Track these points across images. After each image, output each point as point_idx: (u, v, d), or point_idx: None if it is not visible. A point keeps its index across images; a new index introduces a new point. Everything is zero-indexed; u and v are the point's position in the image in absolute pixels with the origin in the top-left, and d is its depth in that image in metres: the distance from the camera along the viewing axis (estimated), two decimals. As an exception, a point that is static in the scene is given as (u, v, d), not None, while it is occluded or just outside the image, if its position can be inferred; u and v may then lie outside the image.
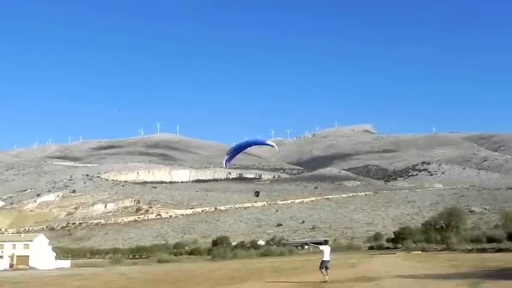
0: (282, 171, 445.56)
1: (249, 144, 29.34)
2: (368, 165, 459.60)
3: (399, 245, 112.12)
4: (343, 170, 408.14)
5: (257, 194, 79.25)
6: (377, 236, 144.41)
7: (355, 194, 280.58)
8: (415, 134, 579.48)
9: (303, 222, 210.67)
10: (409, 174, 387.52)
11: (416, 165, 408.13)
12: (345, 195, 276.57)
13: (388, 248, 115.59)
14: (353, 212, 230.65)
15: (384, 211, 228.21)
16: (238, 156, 28.20)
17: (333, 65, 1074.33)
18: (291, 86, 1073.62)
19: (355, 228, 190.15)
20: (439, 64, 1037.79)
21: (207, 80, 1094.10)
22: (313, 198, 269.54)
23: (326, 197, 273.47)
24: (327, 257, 26.09)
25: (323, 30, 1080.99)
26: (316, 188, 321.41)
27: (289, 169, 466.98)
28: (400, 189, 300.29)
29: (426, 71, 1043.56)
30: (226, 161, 29.23)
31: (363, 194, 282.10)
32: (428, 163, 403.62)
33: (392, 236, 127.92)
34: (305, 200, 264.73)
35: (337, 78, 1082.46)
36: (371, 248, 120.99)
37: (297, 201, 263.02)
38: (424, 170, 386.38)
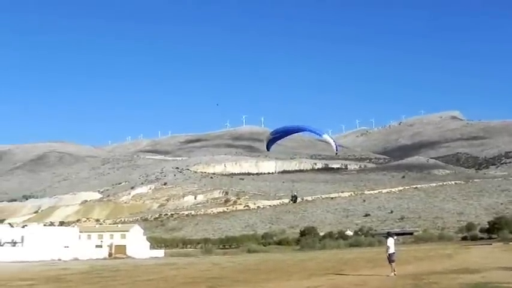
0: (368, 160, 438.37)
1: (299, 130, 26.95)
2: (457, 153, 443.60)
3: (494, 236, 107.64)
4: (431, 158, 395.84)
5: (294, 199, 71.23)
6: (470, 226, 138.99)
7: (444, 183, 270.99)
8: (506, 120, 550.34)
9: (391, 212, 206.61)
10: (502, 161, 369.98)
11: (510, 152, 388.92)
12: (434, 184, 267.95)
13: (482, 238, 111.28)
14: (443, 201, 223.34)
15: (476, 200, 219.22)
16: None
17: (417, 50, 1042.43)
18: (375, 74, 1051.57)
19: (446, 218, 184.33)
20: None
21: (290, 71, 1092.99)
22: (401, 188, 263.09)
23: (414, 186, 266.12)
24: (392, 249, 25.57)
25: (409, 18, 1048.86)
26: (403, 177, 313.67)
27: (375, 158, 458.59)
28: (493, 178, 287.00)
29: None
30: (270, 142, 26.44)
31: (452, 182, 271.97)
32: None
33: (487, 226, 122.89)
34: (393, 190, 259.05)
35: (423, 63, 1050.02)
36: (464, 238, 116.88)
37: (384, 190, 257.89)
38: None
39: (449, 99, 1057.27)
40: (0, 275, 37.31)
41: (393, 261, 25.23)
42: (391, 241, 25.92)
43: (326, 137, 25.17)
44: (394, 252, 25.45)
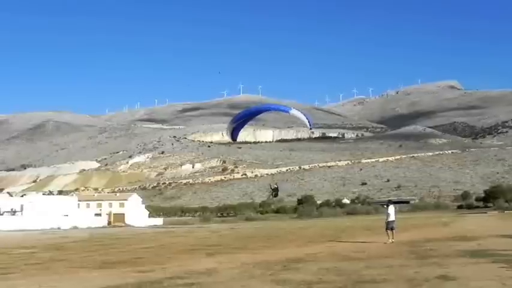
0: (365, 129, 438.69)
1: (262, 111, 25.03)
2: (454, 122, 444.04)
3: (490, 204, 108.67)
4: (428, 127, 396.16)
5: (275, 192, 60.44)
6: (465, 195, 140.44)
7: (441, 152, 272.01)
8: (504, 90, 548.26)
9: (388, 181, 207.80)
10: (499, 131, 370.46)
11: (506, 121, 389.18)
12: (431, 154, 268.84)
13: (477, 207, 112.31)
14: (439, 170, 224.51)
15: (472, 169, 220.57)
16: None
17: (414, 20, 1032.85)
18: (373, 43, 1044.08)
19: (442, 187, 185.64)
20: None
21: (287, 39, 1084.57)
22: (398, 157, 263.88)
23: (411, 155, 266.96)
24: (392, 217, 25.77)
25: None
26: (400, 146, 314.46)
27: (373, 127, 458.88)
28: (489, 147, 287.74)
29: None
30: (234, 131, 24.41)
31: (449, 152, 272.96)
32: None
33: (483, 195, 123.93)
34: (389, 159, 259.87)
35: (421, 32, 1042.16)
36: (460, 207, 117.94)
37: (381, 159, 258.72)
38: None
39: (447, 68, 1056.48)
40: (1, 243, 37.63)
41: (393, 228, 25.40)
42: (391, 209, 26.07)
43: (294, 112, 22.96)
44: (394, 220, 25.62)
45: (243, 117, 24.33)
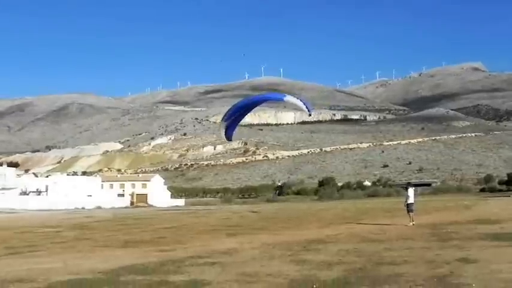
0: (387, 112, 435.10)
1: (257, 103, 22.58)
2: (478, 104, 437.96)
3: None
4: (452, 110, 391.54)
5: (278, 190, 58.52)
6: (488, 178, 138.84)
7: (464, 135, 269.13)
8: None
9: (410, 163, 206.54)
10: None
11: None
12: (454, 136, 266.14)
13: (500, 190, 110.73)
14: (462, 153, 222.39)
15: (495, 152, 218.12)
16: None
17: (438, 2, 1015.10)
18: (395, 26, 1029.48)
19: (465, 170, 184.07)
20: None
21: (309, 21, 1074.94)
22: (420, 139, 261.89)
23: (433, 137, 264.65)
24: (411, 199, 25.71)
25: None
26: (423, 128, 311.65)
27: (395, 110, 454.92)
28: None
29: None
30: (229, 128, 22.31)
31: (472, 134, 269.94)
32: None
33: (506, 178, 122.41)
34: (412, 141, 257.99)
35: (443, 14, 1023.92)
36: (482, 190, 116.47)
37: (403, 142, 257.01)
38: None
39: (471, 50, 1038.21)
40: (28, 222, 38.47)
41: (412, 211, 25.43)
42: (410, 191, 26.08)
43: (290, 98, 21.93)
44: (413, 203, 25.64)
45: (234, 114, 22.93)
